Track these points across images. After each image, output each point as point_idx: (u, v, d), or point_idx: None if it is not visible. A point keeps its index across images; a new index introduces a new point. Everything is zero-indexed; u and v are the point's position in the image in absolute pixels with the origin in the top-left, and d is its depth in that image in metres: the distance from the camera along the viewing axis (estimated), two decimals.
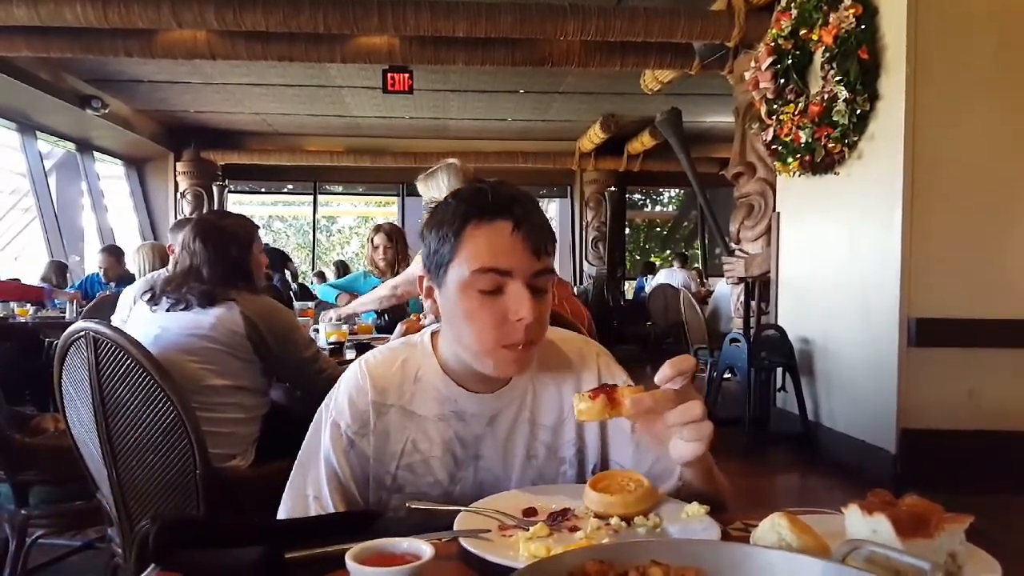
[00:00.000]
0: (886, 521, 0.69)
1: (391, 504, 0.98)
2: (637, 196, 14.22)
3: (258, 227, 2.27)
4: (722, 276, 6.09)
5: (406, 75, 6.25)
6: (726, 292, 5.83)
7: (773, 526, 0.72)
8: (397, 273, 3.72)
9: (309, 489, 0.97)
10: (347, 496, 0.97)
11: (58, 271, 6.63)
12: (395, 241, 3.74)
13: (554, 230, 0.98)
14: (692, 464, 0.86)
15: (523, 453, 1.00)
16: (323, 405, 1.02)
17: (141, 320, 1.99)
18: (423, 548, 0.67)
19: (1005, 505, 3.02)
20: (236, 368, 1.94)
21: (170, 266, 2.13)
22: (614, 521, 0.83)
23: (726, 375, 4.75)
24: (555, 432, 1.01)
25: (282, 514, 0.99)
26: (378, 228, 3.83)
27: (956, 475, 3.06)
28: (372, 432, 0.97)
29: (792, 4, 4.08)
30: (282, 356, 1.99)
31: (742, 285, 5.04)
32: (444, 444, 0.98)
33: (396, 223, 9.93)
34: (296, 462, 1.01)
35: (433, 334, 1.03)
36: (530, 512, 0.87)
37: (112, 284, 5.34)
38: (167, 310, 1.94)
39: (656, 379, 0.84)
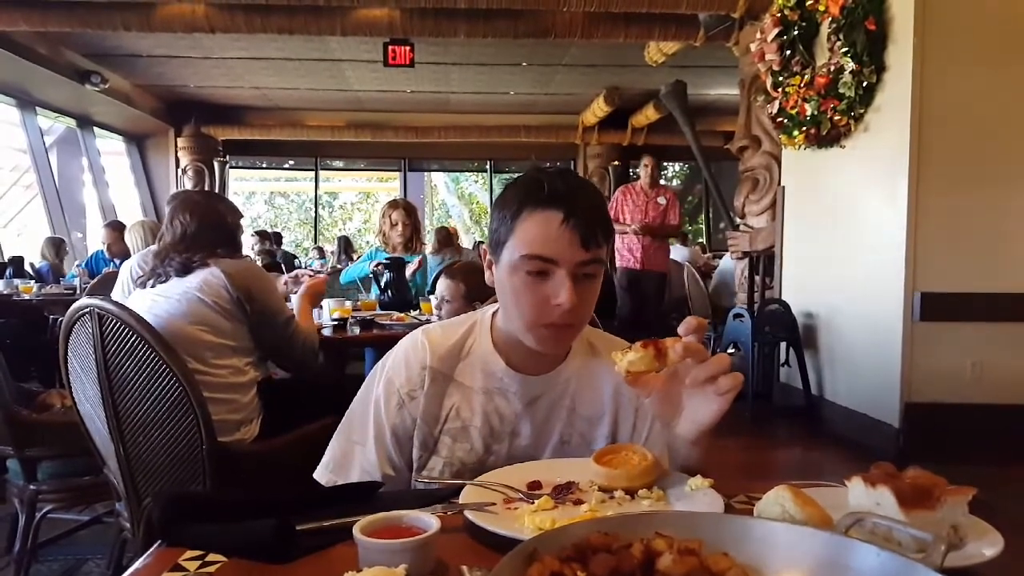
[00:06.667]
0: (889, 493, 0.69)
1: (429, 465, 1.04)
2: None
3: (242, 215, 2.29)
4: (726, 250, 6.08)
5: (407, 48, 6.17)
6: (730, 267, 5.81)
7: (777, 499, 0.72)
8: (410, 250, 3.70)
9: (355, 436, 1.04)
10: (388, 451, 1.03)
11: (55, 248, 6.63)
12: (412, 218, 3.71)
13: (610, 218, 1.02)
14: (705, 436, 0.88)
15: (557, 438, 1.05)
16: (379, 364, 1.08)
17: (136, 298, 2.03)
18: (429, 521, 0.67)
19: (1008, 477, 3.03)
20: (226, 327, 1.98)
21: (157, 239, 2.18)
22: (618, 494, 0.83)
23: (730, 350, 4.76)
24: (592, 424, 1.07)
25: (326, 460, 1.05)
26: (395, 204, 3.76)
27: (960, 448, 3.08)
28: (423, 396, 1.03)
29: None
30: (260, 315, 2.03)
31: (746, 259, 5.03)
32: (484, 416, 1.03)
33: (399, 198, 9.92)
34: (347, 413, 1.08)
35: (494, 313, 1.08)
36: (535, 485, 0.87)
37: (116, 260, 5.35)
38: (152, 285, 2.01)
39: (680, 330, 0.87)
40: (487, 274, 1.06)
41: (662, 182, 5.92)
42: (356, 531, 0.65)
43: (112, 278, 3.71)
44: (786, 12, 4.05)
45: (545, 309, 0.95)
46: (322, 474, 1.04)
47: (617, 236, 5.61)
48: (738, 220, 5.27)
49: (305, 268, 8.08)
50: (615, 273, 5.69)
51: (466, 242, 10.34)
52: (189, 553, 0.70)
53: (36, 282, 5.50)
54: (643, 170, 5.82)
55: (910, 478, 0.73)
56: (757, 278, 4.89)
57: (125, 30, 5.70)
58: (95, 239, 8.28)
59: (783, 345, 4.46)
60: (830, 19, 3.71)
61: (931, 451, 3.21)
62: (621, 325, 5.29)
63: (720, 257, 7.13)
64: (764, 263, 4.84)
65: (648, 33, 5.99)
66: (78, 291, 4.75)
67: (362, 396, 1.07)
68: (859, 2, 3.54)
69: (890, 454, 3.37)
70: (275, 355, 2.19)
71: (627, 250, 5.76)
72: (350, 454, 1.04)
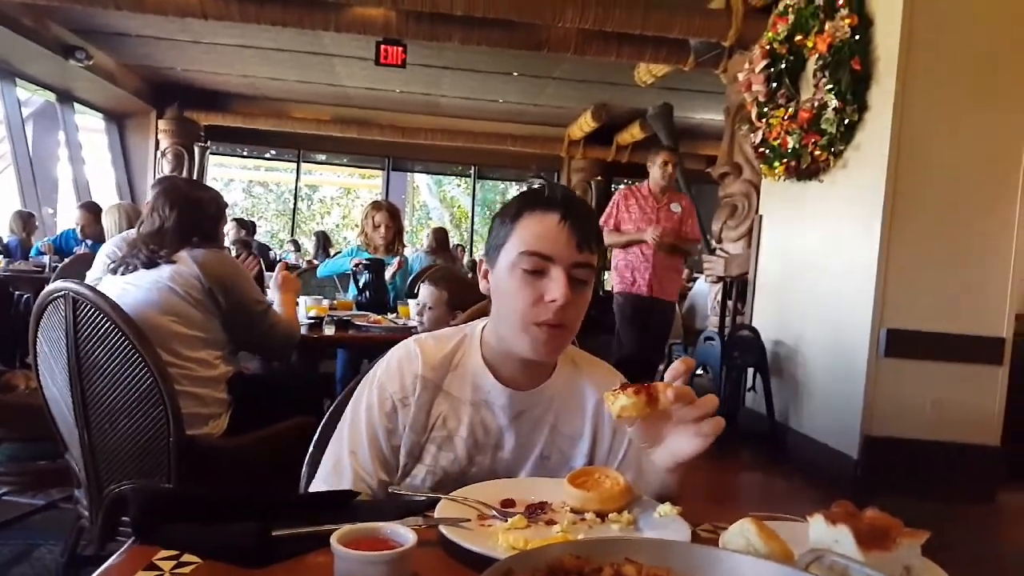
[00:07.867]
0: (848, 532, 0.72)
1: (412, 472, 1.05)
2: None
3: (227, 204, 2.28)
4: (701, 273, 6.16)
5: (399, 48, 6.16)
6: (704, 290, 5.89)
7: (741, 531, 0.75)
8: (391, 251, 3.69)
9: (349, 445, 1.05)
10: (383, 456, 1.05)
11: (23, 222, 6.47)
12: (395, 221, 3.72)
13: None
14: (682, 467, 0.91)
15: (538, 453, 1.08)
16: (368, 375, 1.10)
17: (106, 285, 2.01)
18: (407, 535, 0.68)
19: (960, 514, 3.12)
20: (197, 318, 1.97)
21: (136, 226, 2.16)
22: (589, 516, 0.85)
23: (698, 372, 4.82)
24: (572, 442, 1.10)
25: (323, 470, 1.06)
26: (379, 206, 3.75)
27: (915, 483, 3.16)
28: (413, 403, 1.05)
29: (789, 9, 4.10)
30: (236, 306, 2.02)
31: (720, 284, 5.10)
32: (470, 427, 1.06)
33: (380, 197, 9.89)
34: (341, 421, 1.09)
35: (483, 328, 1.11)
36: (508, 503, 0.89)
37: (88, 241, 5.25)
38: (122, 273, 2.00)
39: (668, 375, 0.90)
40: (481, 284, 1.09)
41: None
42: (334, 541, 0.66)
43: (84, 260, 3.65)
44: (775, 45, 4.14)
45: (540, 307, 0.99)
46: (319, 488, 1.04)
47: (618, 253, 4.47)
48: (715, 244, 5.35)
49: (280, 260, 7.99)
50: (613, 298, 4.55)
51: None
52: (163, 552, 0.71)
53: (4, 257, 5.38)
54: (658, 170, 4.35)
55: (869, 518, 0.76)
56: (729, 303, 4.96)
57: (116, 10, 5.60)
58: (66, 215, 8.11)
59: (751, 371, 4.54)
60: (817, 56, 3.81)
61: (887, 484, 3.28)
62: (621, 365, 4.67)
63: (695, 280, 7.21)
64: (737, 289, 4.91)
65: (640, 54, 6.07)
66: (47, 268, 4.65)
67: (352, 407, 1.08)
68: (846, 41, 3.63)
69: (847, 485, 3.44)
70: (252, 346, 2.20)
71: (630, 271, 4.41)
72: (344, 464, 1.04)
